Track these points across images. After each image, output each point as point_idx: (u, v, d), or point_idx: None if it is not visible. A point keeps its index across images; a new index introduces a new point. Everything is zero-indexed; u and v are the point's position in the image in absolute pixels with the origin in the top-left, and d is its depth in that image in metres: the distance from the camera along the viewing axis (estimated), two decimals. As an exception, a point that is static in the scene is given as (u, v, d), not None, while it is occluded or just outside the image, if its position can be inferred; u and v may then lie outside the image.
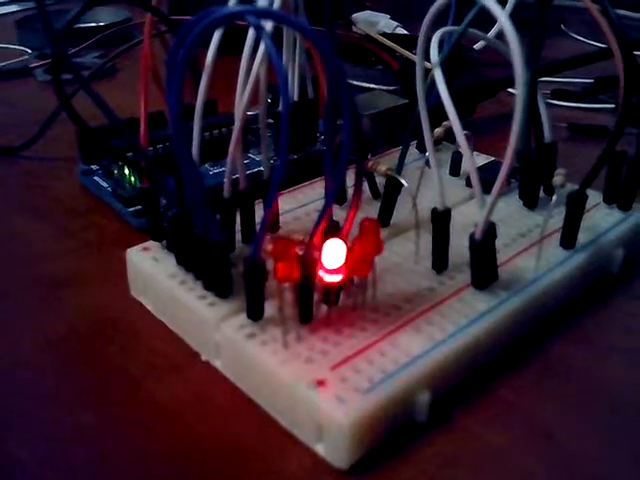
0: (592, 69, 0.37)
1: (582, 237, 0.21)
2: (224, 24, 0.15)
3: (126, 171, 0.26)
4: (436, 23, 0.19)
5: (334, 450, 0.15)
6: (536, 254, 0.20)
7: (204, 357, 0.19)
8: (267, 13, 0.15)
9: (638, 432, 0.17)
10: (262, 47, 0.18)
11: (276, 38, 0.18)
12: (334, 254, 0.16)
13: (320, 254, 0.16)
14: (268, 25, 0.16)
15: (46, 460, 0.16)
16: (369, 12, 0.49)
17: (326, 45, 0.15)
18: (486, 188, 0.18)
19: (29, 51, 0.47)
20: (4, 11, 0.60)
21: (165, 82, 0.17)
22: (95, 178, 0.28)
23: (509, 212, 0.23)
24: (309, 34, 0.14)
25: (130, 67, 0.42)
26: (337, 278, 0.17)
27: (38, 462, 0.16)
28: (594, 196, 0.23)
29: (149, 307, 0.21)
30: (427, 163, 0.23)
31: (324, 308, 0.18)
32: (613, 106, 0.36)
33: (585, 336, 0.20)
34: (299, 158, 0.28)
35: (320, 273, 0.17)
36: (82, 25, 0.45)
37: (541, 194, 0.24)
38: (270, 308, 0.18)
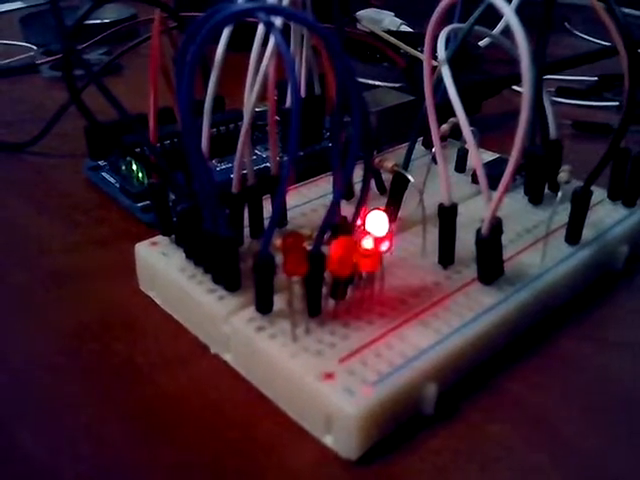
0: (596, 67, 0.37)
1: (587, 233, 0.21)
2: (235, 21, 0.15)
3: (134, 167, 0.26)
4: (442, 20, 0.19)
5: (342, 442, 0.16)
6: (541, 250, 0.20)
7: (213, 350, 0.19)
8: (277, 10, 0.15)
9: (643, 425, 0.17)
10: (271, 43, 0.18)
11: (283, 35, 0.18)
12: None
13: (329, 248, 0.17)
14: (278, 21, 0.17)
15: (57, 451, 0.16)
16: (374, 10, 0.49)
17: (335, 42, 0.15)
18: (491, 184, 0.18)
19: (34, 48, 0.47)
20: (9, 8, 0.60)
21: (174, 78, 0.17)
22: (103, 174, 0.28)
23: (515, 208, 0.23)
24: (318, 31, 0.15)
25: (135, 64, 0.42)
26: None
27: (49, 453, 0.16)
28: (599, 192, 0.23)
29: (158, 301, 0.21)
30: (433, 159, 0.23)
31: (332, 302, 0.18)
32: (617, 104, 0.36)
33: (590, 331, 0.20)
34: (305, 154, 0.28)
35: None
36: (88, 22, 0.45)
37: (546, 190, 0.24)
38: (279, 301, 0.18)
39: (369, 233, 0.17)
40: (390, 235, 0.17)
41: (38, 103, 0.37)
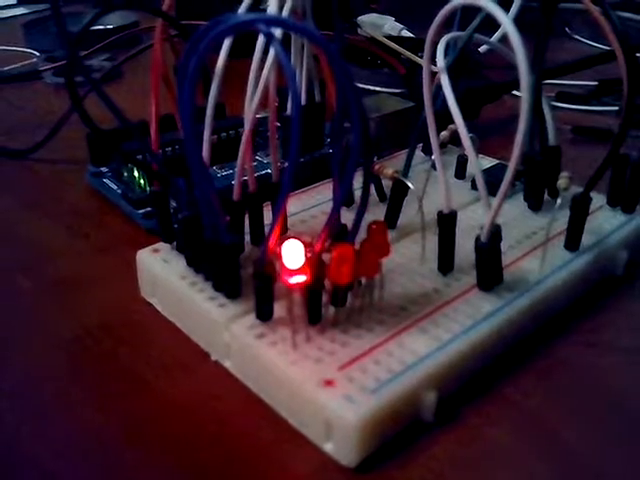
0: (597, 71, 0.37)
1: (586, 239, 0.21)
2: (235, 32, 0.15)
3: (136, 173, 0.26)
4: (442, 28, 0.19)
5: (342, 449, 0.16)
6: (541, 256, 0.20)
7: (214, 357, 0.19)
8: (277, 21, 0.15)
9: (641, 432, 0.17)
10: (272, 53, 0.19)
11: (284, 42, 0.18)
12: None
13: (329, 258, 0.17)
14: (278, 33, 0.17)
15: (60, 456, 0.16)
16: (375, 15, 0.49)
17: (334, 52, 0.15)
18: (491, 190, 0.18)
19: (37, 54, 0.47)
20: (11, 14, 0.61)
21: (176, 86, 0.17)
22: (105, 180, 0.28)
23: (514, 214, 0.23)
24: (318, 41, 0.15)
25: (136, 70, 0.42)
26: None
27: (52, 457, 0.16)
28: (598, 198, 0.23)
29: (159, 308, 0.21)
30: (433, 166, 0.23)
31: (332, 309, 0.18)
32: (617, 108, 0.36)
33: (589, 337, 0.20)
34: (306, 161, 0.28)
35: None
36: (90, 28, 0.45)
37: (546, 197, 0.24)
38: (279, 309, 0.18)
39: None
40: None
41: (41, 109, 0.38)
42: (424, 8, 0.27)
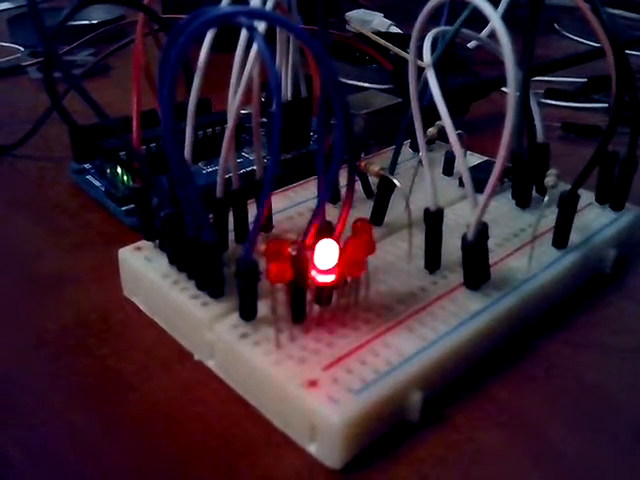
0: (586, 68, 0.37)
1: (574, 237, 0.21)
2: (216, 25, 0.15)
3: (119, 170, 0.25)
4: (429, 22, 0.19)
5: (326, 450, 0.15)
6: (528, 254, 0.20)
7: (197, 357, 0.19)
8: (259, 14, 0.15)
9: (628, 430, 0.17)
10: (255, 47, 0.18)
11: (270, 36, 0.18)
12: (327, 255, 0.16)
13: (313, 255, 0.16)
14: (261, 26, 0.16)
15: (39, 460, 0.16)
16: (363, 10, 0.49)
17: (318, 46, 0.15)
18: (479, 188, 0.18)
19: (22, 49, 0.46)
20: (-4, 8, 0.60)
21: (158, 81, 0.17)
22: (88, 177, 0.28)
23: (502, 212, 0.23)
24: (301, 35, 0.14)
25: (123, 64, 0.42)
26: (330, 278, 0.17)
27: (31, 462, 0.16)
28: (586, 196, 0.23)
29: (141, 307, 0.21)
30: (421, 162, 0.23)
31: (317, 308, 0.18)
32: (606, 105, 0.36)
33: (577, 335, 0.20)
34: (292, 157, 0.28)
35: (313, 273, 0.17)
36: (75, 23, 0.45)
37: (534, 194, 0.24)
38: (263, 308, 0.18)
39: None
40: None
41: (25, 105, 0.37)
42: (413, 4, 0.27)
